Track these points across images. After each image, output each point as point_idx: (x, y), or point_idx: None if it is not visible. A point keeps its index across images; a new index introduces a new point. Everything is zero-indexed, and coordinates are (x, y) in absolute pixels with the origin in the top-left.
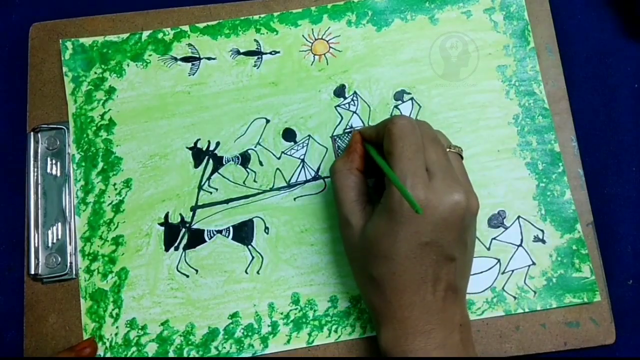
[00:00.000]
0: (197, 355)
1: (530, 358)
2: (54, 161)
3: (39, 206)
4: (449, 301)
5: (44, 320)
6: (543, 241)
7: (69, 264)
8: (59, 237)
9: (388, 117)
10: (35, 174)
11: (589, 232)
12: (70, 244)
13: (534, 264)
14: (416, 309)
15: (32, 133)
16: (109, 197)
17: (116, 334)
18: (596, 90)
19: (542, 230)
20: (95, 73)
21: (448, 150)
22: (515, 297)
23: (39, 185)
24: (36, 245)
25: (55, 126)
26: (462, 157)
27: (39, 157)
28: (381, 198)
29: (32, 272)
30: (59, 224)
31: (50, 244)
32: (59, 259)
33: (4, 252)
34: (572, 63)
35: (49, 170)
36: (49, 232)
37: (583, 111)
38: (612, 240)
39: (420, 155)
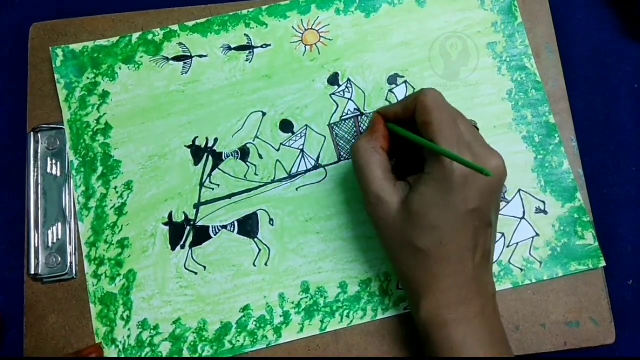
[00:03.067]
0: (211, 351)
1: (530, 358)
2: (54, 161)
3: (39, 206)
4: (483, 269)
5: (44, 320)
6: (545, 212)
7: (69, 264)
8: (59, 237)
9: (412, 93)
10: (36, 174)
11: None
12: (70, 244)
13: (537, 235)
14: (458, 278)
15: (32, 133)
16: (110, 200)
17: (129, 336)
18: (596, 90)
19: (543, 202)
20: (88, 78)
21: None
22: (521, 269)
23: (39, 185)
24: (36, 245)
25: (55, 126)
26: (477, 129)
27: (39, 157)
28: (426, 168)
29: (32, 272)
30: (59, 224)
31: (50, 244)
32: (59, 259)
33: (4, 252)
34: (572, 63)
35: (49, 170)
36: (49, 232)
37: (583, 111)
38: (612, 240)
39: (456, 124)
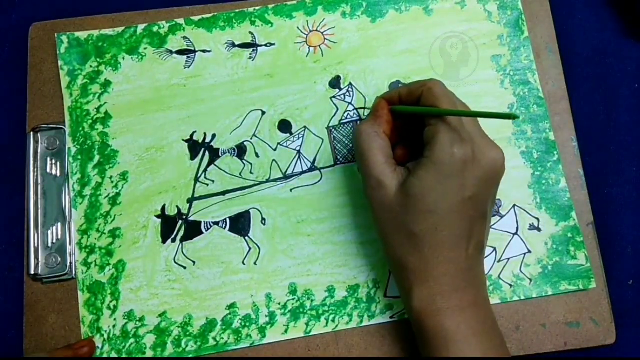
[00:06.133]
0: (195, 346)
1: (531, 358)
2: (53, 161)
3: (39, 206)
4: (476, 259)
5: (43, 321)
6: (538, 229)
7: (68, 264)
8: (59, 237)
9: (418, 80)
10: (35, 174)
11: (589, 232)
12: (70, 244)
13: (529, 252)
14: (452, 266)
15: (31, 133)
16: (105, 189)
17: (114, 326)
18: (596, 90)
19: (538, 219)
20: (91, 66)
21: None
22: (511, 285)
23: (39, 185)
24: (36, 245)
25: (55, 126)
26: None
27: (39, 157)
28: (425, 152)
29: (32, 272)
30: (59, 224)
31: (50, 244)
32: (59, 259)
33: (3, 252)
34: (572, 63)
35: (48, 170)
36: (49, 232)
37: (583, 111)
38: (612, 240)
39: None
